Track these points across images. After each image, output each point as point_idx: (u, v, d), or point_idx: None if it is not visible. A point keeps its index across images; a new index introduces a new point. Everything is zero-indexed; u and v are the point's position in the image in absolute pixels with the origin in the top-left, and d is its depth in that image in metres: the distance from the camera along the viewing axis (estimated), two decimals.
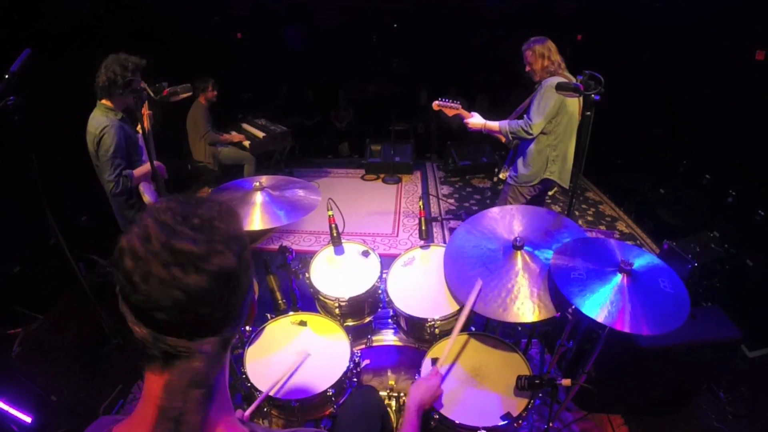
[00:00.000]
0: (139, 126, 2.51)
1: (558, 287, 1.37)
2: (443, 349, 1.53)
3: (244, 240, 0.62)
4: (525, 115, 2.71)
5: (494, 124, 2.80)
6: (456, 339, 1.50)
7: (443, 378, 1.51)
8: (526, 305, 1.47)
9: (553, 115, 2.64)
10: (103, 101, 2.29)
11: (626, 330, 1.24)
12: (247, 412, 1.38)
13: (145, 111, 2.00)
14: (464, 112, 2.85)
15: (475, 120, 2.84)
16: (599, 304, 1.31)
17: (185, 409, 0.55)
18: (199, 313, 0.55)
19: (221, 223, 0.59)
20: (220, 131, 4.68)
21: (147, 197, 2.40)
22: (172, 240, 0.54)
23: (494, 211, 1.82)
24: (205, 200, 0.62)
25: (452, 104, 2.83)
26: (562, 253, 1.50)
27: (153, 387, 0.58)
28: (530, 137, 2.69)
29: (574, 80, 1.96)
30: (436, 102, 2.88)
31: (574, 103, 2.70)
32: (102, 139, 2.24)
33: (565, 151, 2.77)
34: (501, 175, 3.14)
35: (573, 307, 1.33)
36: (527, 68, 2.73)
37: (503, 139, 2.88)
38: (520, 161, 2.88)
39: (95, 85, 2.26)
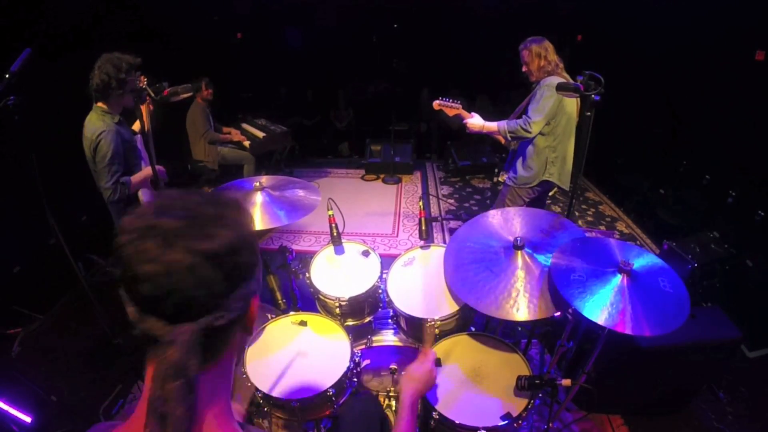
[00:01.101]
0: (136, 124, 2.50)
1: (558, 289, 1.37)
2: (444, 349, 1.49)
3: (242, 231, 0.62)
4: (524, 115, 2.71)
5: (493, 125, 2.79)
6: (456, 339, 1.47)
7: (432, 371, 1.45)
8: (534, 302, 1.46)
9: (552, 116, 2.64)
10: (99, 104, 2.22)
11: (628, 332, 1.24)
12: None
13: (144, 106, 1.96)
14: (464, 113, 2.84)
15: (475, 121, 2.82)
16: (599, 306, 1.30)
17: (167, 402, 0.55)
18: (177, 293, 0.55)
19: (214, 209, 0.61)
20: (220, 128, 4.68)
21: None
22: (159, 217, 0.57)
23: (492, 214, 1.82)
24: (209, 192, 0.64)
25: (453, 104, 2.82)
26: (561, 254, 1.50)
27: (147, 379, 0.59)
28: (529, 135, 2.68)
29: (571, 80, 1.97)
30: (437, 101, 2.86)
31: (572, 104, 2.69)
32: (98, 145, 2.16)
33: (564, 152, 2.77)
34: (500, 178, 3.13)
35: (572, 308, 1.33)
36: (524, 68, 2.73)
37: (503, 141, 2.88)
38: (519, 163, 2.88)
39: (89, 88, 2.19)
